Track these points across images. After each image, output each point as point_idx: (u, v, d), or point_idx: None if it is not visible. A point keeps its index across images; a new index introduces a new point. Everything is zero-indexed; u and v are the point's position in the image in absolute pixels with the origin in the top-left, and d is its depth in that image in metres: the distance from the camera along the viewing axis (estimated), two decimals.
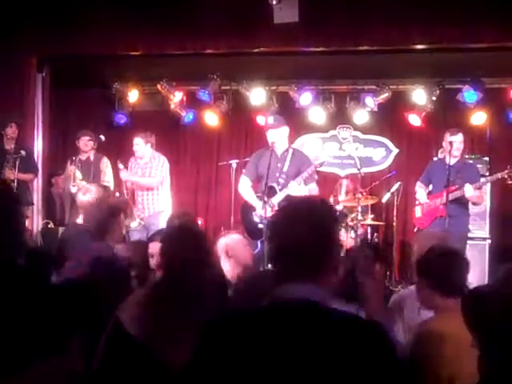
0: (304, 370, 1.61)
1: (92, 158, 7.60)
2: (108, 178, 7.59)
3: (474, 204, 6.71)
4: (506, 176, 6.37)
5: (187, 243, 2.77)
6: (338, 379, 1.60)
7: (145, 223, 6.91)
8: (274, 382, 1.63)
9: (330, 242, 1.82)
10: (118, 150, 8.51)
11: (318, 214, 1.85)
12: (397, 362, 1.67)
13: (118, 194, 7.24)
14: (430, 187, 6.94)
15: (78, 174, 7.39)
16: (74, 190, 7.15)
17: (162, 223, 6.67)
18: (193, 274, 2.65)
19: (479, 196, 6.58)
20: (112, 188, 7.58)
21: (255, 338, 1.67)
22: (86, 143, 7.61)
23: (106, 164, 7.61)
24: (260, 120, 8.68)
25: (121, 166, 7.17)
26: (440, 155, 7.43)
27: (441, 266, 2.96)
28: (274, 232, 1.85)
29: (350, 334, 1.66)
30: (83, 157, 7.62)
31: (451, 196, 6.35)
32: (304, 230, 1.78)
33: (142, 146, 7.28)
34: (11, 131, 7.19)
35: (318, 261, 1.78)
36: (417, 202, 6.98)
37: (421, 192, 6.85)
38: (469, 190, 6.32)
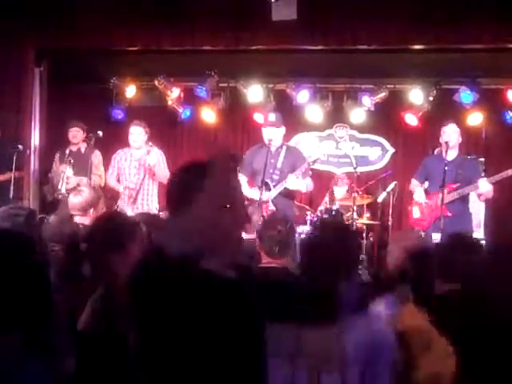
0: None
1: (83, 150, 7.53)
2: (99, 172, 7.50)
3: (485, 200, 6.59)
4: None
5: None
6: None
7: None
8: None
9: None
10: (116, 145, 8.48)
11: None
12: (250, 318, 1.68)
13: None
14: (426, 184, 6.71)
15: (69, 172, 7.25)
16: (63, 190, 7.08)
17: None
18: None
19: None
20: (103, 181, 7.46)
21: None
22: (74, 134, 7.54)
23: (97, 157, 7.53)
24: (257, 117, 8.69)
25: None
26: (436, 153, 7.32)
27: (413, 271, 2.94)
28: None
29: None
30: (74, 148, 7.54)
31: (456, 194, 6.20)
32: None
33: (142, 135, 7.04)
34: None
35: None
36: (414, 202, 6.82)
37: (419, 191, 6.59)
38: (484, 186, 6.10)
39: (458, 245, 3.00)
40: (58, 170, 7.47)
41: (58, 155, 7.65)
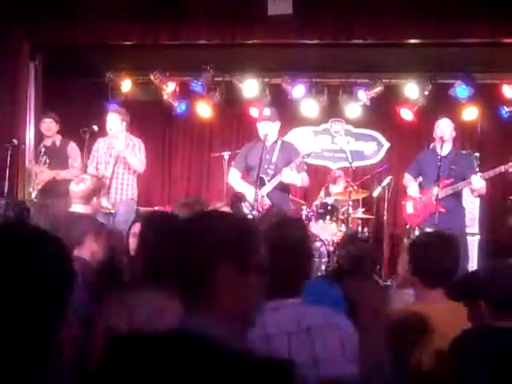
0: None
1: (58, 143, 7.26)
2: (76, 164, 7.19)
3: (479, 196, 6.58)
4: (511, 170, 6.12)
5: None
6: None
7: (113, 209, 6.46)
8: None
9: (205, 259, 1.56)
10: None
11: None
12: None
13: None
14: (420, 179, 6.70)
15: (46, 175, 6.96)
16: (33, 195, 6.83)
17: (129, 212, 6.56)
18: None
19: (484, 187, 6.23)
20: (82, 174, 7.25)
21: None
22: (48, 126, 7.22)
23: (73, 149, 7.19)
24: (252, 112, 8.68)
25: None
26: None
27: (424, 257, 2.95)
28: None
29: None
30: (48, 142, 7.24)
31: (450, 189, 6.17)
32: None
33: (117, 123, 6.86)
34: None
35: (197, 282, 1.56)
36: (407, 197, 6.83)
37: (412, 186, 6.59)
38: (477, 182, 6.04)
39: (433, 242, 2.99)
40: (32, 171, 7.12)
41: (32, 155, 7.32)
